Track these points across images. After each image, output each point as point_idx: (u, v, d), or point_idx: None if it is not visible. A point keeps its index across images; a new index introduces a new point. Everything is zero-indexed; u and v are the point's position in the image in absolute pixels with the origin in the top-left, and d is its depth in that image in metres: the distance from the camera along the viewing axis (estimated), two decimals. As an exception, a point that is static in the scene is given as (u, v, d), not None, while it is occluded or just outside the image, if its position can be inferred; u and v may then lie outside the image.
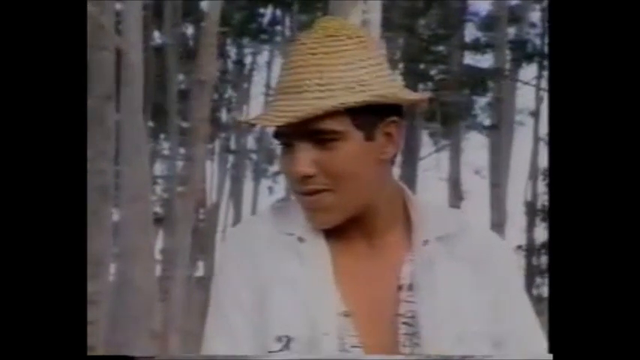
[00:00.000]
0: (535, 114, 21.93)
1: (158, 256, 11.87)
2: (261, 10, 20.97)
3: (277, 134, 1.39)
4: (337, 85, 1.34)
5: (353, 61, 1.36)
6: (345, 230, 1.42)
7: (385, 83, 1.38)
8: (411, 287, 1.40)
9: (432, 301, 1.38)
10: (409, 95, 1.42)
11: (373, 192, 1.40)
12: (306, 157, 1.36)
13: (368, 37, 1.42)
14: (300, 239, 1.42)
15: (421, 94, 1.45)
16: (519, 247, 19.95)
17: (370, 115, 1.36)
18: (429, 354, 1.34)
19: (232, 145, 24.95)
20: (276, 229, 1.44)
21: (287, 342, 1.36)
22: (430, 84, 18.10)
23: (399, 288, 1.40)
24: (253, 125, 1.46)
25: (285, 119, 1.33)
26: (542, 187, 21.13)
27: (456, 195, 19.06)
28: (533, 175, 21.81)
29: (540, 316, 1.48)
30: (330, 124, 1.34)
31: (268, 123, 1.36)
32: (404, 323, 1.39)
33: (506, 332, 1.41)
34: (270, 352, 1.36)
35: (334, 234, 1.42)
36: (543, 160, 21.01)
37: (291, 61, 1.38)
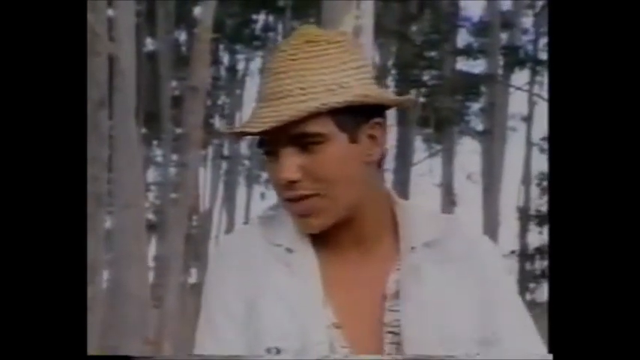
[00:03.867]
0: (528, 119, 21.98)
1: (151, 263, 11.86)
2: (254, 17, 21.01)
3: (261, 142, 1.37)
4: (319, 88, 1.33)
5: (334, 65, 1.36)
6: (334, 239, 1.40)
7: (367, 85, 1.37)
8: (396, 296, 1.38)
9: (417, 308, 1.36)
10: (392, 96, 1.41)
11: (361, 194, 1.38)
12: (292, 163, 1.34)
13: (348, 41, 1.41)
14: (289, 250, 1.40)
15: (403, 96, 1.43)
16: (513, 252, 19.98)
17: (353, 117, 1.35)
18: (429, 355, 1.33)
19: (225, 152, 24.96)
20: (265, 239, 1.42)
21: (276, 353, 1.34)
22: (423, 89, 18.13)
23: (384, 297, 1.39)
24: (239, 136, 1.45)
25: (269, 124, 1.32)
26: (535, 192, 21.19)
27: (449, 200, 19.09)
28: (526, 180, 21.84)
29: (535, 321, 1.47)
30: (313, 127, 1.33)
31: (252, 130, 1.35)
32: (389, 332, 1.37)
33: (498, 336, 1.39)
34: None
35: (323, 244, 1.41)
36: (536, 165, 21.09)
37: (271, 68, 1.37)
